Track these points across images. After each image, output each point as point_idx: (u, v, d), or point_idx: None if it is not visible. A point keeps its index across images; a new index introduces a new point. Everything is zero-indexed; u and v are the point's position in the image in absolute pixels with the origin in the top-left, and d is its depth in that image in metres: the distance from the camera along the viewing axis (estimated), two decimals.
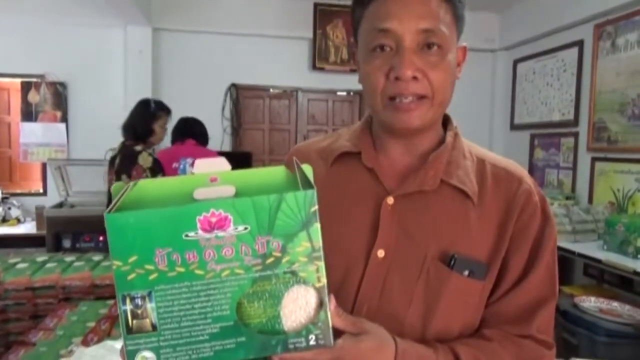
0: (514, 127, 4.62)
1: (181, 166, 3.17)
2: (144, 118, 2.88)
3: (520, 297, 0.75)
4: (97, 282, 2.31)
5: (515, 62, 4.58)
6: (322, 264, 0.55)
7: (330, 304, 0.57)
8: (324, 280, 0.56)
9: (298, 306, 0.55)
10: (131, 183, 0.59)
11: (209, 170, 0.59)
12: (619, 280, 3.16)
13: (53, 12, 3.96)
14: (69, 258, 2.59)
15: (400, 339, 0.67)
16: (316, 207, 0.54)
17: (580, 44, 3.73)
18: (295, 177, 0.60)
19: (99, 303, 2.13)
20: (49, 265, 2.43)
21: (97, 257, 2.62)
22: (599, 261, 2.73)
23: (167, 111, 3.02)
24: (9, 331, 2.21)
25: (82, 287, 2.29)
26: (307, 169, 0.59)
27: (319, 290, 0.56)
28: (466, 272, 0.73)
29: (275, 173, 0.61)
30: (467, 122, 5.31)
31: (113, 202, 0.55)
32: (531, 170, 4.35)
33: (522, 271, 0.76)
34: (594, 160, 3.59)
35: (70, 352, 1.50)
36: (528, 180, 0.80)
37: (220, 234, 0.53)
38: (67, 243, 3.47)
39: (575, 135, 3.77)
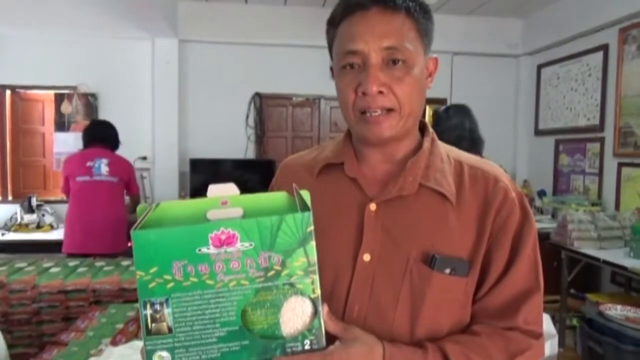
0: (538, 132, 4.57)
1: (96, 164, 3.18)
2: None
3: (504, 291, 0.78)
4: (125, 286, 2.40)
5: (539, 67, 4.53)
6: (316, 277, 0.62)
7: (324, 312, 0.63)
8: (318, 291, 0.63)
9: (295, 314, 0.62)
10: (154, 205, 0.67)
11: (221, 194, 0.66)
12: None
13: (85, 27, 4.12)
14: (99, 263, 2.69)
15: (388, 343, 0.71)
16: (312, 227, 0.62)
17: (605, 48, 3.68)
18: (294, 201, 0.68)
19: (127, 306, 2.21)
20: (80, 269, 2.53)
21: (125, 262, 2.71)
22: (624, 268, 2.69)
23: None
24: (42, 332, 2.31)
25: (111, 291, 2.38)
26: (305, 194, 0.66)
27: (313, 301, 0.63)
28: (447, 270, 0.77)
29: (278, 197, 0.69)
30: (491, 128, 5.19)
31: (138, 221, 0.63)
32: (556, 176, 4.29)
33: (504, 266, 0.79)
34: (620, 165, 3.53)
35: (99, 351, 1.57)
36: (504, 178, 0.83)
37: (229, 249, 0.61)
38: None
39: (601, 140, 3.72)
